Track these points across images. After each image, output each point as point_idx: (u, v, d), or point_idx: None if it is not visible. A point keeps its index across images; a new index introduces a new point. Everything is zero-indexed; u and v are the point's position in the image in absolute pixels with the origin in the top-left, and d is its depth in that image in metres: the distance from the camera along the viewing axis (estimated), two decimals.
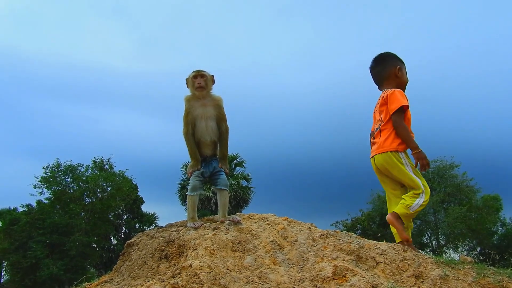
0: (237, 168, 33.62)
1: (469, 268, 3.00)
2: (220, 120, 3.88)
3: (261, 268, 2.77)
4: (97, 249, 37.08)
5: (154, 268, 3.06)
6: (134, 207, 41.72)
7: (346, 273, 2.59)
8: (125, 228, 42.36)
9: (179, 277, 2.50)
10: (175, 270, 2.65)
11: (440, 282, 2.71)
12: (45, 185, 32.90)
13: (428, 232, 34.21)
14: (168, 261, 3.11)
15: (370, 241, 3.17)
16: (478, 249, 41.67)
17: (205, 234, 3.08)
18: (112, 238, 40.96)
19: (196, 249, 2.88)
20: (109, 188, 33.88)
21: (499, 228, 39.95)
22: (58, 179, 33.38)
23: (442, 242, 33.46)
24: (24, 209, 34.43)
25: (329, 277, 2.56)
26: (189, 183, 3.81)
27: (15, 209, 37.53)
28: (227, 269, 2.69)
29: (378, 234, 32.40)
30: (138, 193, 41.94)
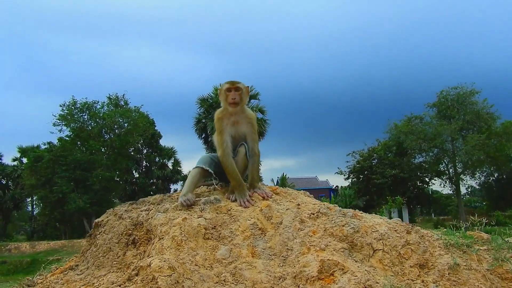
0: (252, 100, 33.11)
1: (484, 249, 2.58)
2: (252, 141, 3.46)
3: (237, 262, 2.39)
4: (120, 183, 38.23)
5: (120, 256, 2.74)
6: (152, 142, 42.33)
7: (334, 271, 2.19)
8: (146, 162, 43.36)
9: (134, 283, 2.16)
10: (133, 270, 2.29)
11: (448, 274, 2.31)
12: (63, 123, 33.42)
13: (445, 160, 33.93)
14: (136, 247, 2.79)
15: (368, 219, 2.69)
16: (496, 175, 41.60)
17: (174, 219, 2.66)
18: (134, 171, 42.11)
19: (162, 238, 2.51)
20: (126, 124, 34.13)
21: None
22: (76, 116, 33.80)
23: (459, 170, 33.31)
24: (46, 146, 35.29)
25: (313, 276, 2.19)
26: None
27: (38, 147, 38.61)
28: (196, 265, 2.32)
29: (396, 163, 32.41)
30: (156, 128, 42.37)
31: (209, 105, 32.59)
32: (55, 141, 34.53)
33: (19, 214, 48.64)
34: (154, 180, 43.01)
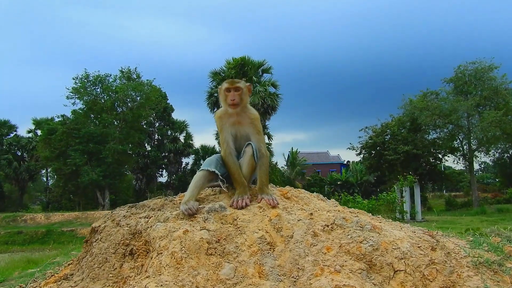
0: (265, 74, 32.72)
1: None
2: (258, 141, 3.21)
3: (242, 283, 2.14)
4: (133, 156, 38.53)
5: (116, 268, 2.54)
6: (165, 115, 42.37)
7: None
8: (158, 135, 43.53)
9: None
10: None
11: None
12: (76, 96, 33.53)
13: (460, 137, 33.42)
14: (134, 258, 2.57)
15: (388, 232, 2.38)
16: (511, 152, 40.93)
17: (174, 231, 2.41)
18: (146, 145, 42.36)
19: (161, 253, 2.28)
20: (138, 98, 34.11)
21: None
22: (88, 89, 33.87)
23: (474, 147, 32.83)
24: (60, 119, 35.55)
25: None
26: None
27: (52, 119, 38.96)
28: (197, 287, 2.09)
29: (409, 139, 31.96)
30: (168, 101, 42.32)
31: (221, 79, 32.23)
32: (69, 114, 34.80)
33: (35, 185, 49.60)
34: (166, 154, 43.25)
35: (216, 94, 32.66)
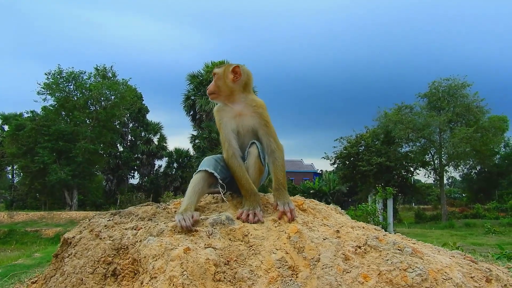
0: None
1: None
2: (266, 135, 2.67)
3: None
4: (104, 156, 37.52)
5: None
6: (139, 116, 41.57)
7: None
8: (131, 136, 42.63)
9: None
10: None
11: None
12: (48, 92, 32.48)
13: (431, 151, 34.20)
14: (117, 281, 2.04)
15: (431, 256, 1.99)
16: (478, 168, 42.18)
17: (172, 248, 1.92)
18: (118, 145, 41.38)
19: (155, 278, 1.79)
20: (112, 97, 33.28)
21: (502, 149, 40.05)
22: (61, 86, 32.84)
23: (444, 162, 33.58)
24: (29, 115, 34.39)
25: None
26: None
27: (21, 115, 37.59)
28: None
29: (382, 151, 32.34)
30: (143, 102, 41.56)
31: (199, 82, 31.89)
32: (39, 110, 33.60)
33: None
34: (139, 155, 42.30)
35: (192, 97, 32.27)
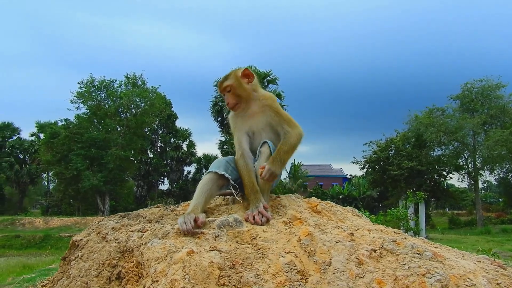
0: (270, 85, 32.50)
1: None
2: (280, 124, 2.64)
3: None
4: (135, 162, 38.22)
5: None
6: (168, 123, 42.20)
7: None
8: (161, 143, 43.32)
9: None
10: None
11: None
12: (81, 100, 33.42)
13: (465, 155, 33.16)
14: (122, 285, 2.00)
15: (453, 261, 1.84)
16: None
17: (175, 251, 1.84)
18: (148, 151, 42.11)
19: (156, 281, 1.72)
20: (142, 104, 33.93)
21: None
22: (93, 94, 33.74)
23: (479, 165, 32.49)
24: (63, 123, 35.45)
25: None
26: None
27: (55, 123, 38.91)
28: None
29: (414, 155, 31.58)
30: (172, 109, 42.18)
31: None
32: (72, 118, 34.65)
33: (35, 188, 49.26)
34: (168, 161, 42.92)
35: (220, 103, 32.52)
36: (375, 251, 1.85)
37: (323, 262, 1.83)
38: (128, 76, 34.53)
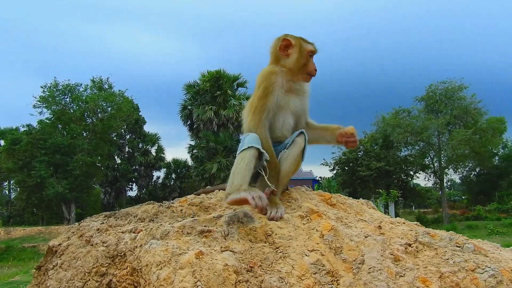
0: (240, 88, 32.36)
1: None
2: (305, 116, 2.41)
3: None
4: (102, 168, 37.17)
5: None
6: (136, 127, 41.34)
7: None
8: (128, 148, 42.36)
9: None
10: None
11: None
12: (44, 105, 32.29)
13: (430, 154, 34.16)
14: None
15: (496, 253, 1.66)
16: (477, 170, 42.19)
17: (181, 254, 1.55)
18: (116, 157, 41.07)
19: None
20: (109, 109, 33.05)
21: (501, 150, 40.10)
22: (57, 98, 32.68)
23: (444, 164, 33.53)
24: (25, 129, 34.12)
25: None
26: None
27: (16, 129, 37.40)
28: None
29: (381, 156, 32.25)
30: (140, 113, 41.37)
31: (195, 91, 31.67)
32: (35, 124, 33.27)
33: None
34: (137, 167, 41.93)
35: (189, 107, 31.99)
36: (410, 245, 1.65)
37: (354, 260, 1.61)
38: (94, 79, 33.61)
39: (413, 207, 54.16)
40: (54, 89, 32.13)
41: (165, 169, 42.91)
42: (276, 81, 2.23)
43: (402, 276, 1.47)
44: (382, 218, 2.03)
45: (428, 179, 36.87)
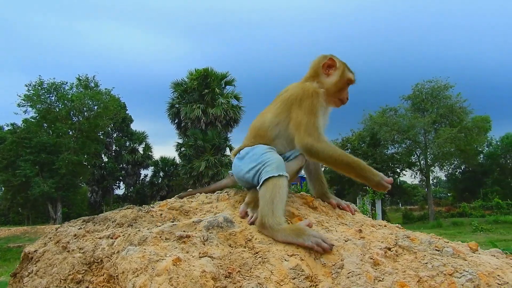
0: (228, 86, 32.29)
1: None
2: None
3: None
4: (88, 167, 36.79)
5: None
6: (123, 126, 40.99)
7: None
8: (116, 146, 42.00)
9: None
10: None
11: None
12: (29, 104, 31.76)
13: (417, 152, 34.61)
14: None
15: (474, 256, 1.67)
16: (463, 167, 42.87)
17: (158, 260, 1.53)
18: (103, 156, 40.69)
19: None
20: (95, 107, 32.70)
21: (485, 148, 40.83)
22: (42, 97, 32.19)
23: (430, 162, 33.97)
24: (10, 128, 33.59)
25: None
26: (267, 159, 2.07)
27: (1, 128, 36.76)
28: None
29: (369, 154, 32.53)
30: (127, 112, 41.04)
31: (183, 90, 31.54)
32: (20, 123, 32.78)
33: None
34: (124, 165, 41.59)
35: (177, 105, 31.84)
36: (389, 249, 1.66)
37: (333, 265, 1.61)
38: (80, 78, 33.22)
39: (400, 204, 54.82)
40: (39, 87, 31.68)
41: (152, 167, 42.65)
42: (321, 103, 2.22)
43: (380, 280, 1.47)
44: (364, 221, 2.03)
45: (415, 177, 37.42)
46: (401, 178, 40.36)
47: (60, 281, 1.64)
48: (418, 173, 36.30)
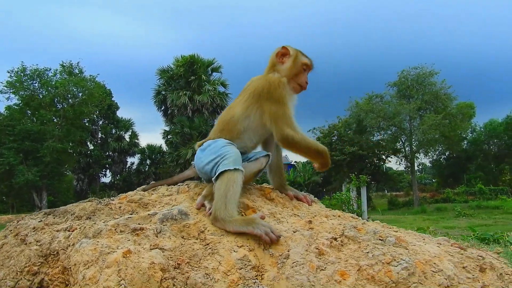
0: (214, 73, 32.09)
1: None
2: None
3: None
4: (74, 155, 36.46)
5: None
6: (109, 113, 40.59)
7: None
8: (101, 134, 41.64)
9: None
10: None
11: None
12: (11, 90, 31.18)
13: (402, 139, 34.97)
14: None
15: (417, 245, 1.72)
16: (447, 153, 43.49)
17: (109, 253, 1.56)
18: (88, 143, 40.35)
19: None
20: (80, 94, 32.27)
21: (469, 134, 41.43)
22: (25, 84, 31.58)
23: (415, 149, 34.38)
24: None
25: None
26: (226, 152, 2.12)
27: None
28: None
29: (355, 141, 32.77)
30: (112, 99, 40.61)
31: (169, 76, 31.30)
32: (2, 110, 32.22)
33: None
34: (110, 153, 41.30)
35: (163, 92, 31.59)
36: (335, 239, 1.72)
37: (280, 255, 1.67)
38: (64, 64, 32.65)
39: (386, 190, 55.56)
40: (22, 74, 31.06)
41: (139, 155, 42.44)
42: (288, 92, 2.30)
43: (323, 269, 1.54)
44: (319, 211, 2.10)
45: (400, 163, 37.83)
46: (387, 165, 40.83)
47: (17, 273, 1.68)
48: (403, 159, 36.71)
